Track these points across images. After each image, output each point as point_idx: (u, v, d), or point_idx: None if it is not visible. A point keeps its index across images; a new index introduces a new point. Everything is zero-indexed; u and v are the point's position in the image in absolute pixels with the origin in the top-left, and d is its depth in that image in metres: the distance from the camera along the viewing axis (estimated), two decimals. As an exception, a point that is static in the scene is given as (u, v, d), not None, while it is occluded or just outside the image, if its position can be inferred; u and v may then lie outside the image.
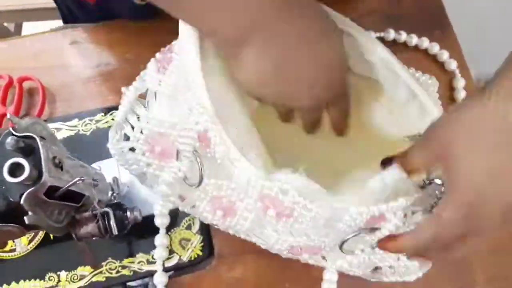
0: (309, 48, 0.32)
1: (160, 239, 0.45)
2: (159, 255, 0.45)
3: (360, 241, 0.34)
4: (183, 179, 0.35)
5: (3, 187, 0.28)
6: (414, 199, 0.32)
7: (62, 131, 0.49)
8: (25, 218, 0.28)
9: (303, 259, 0.38)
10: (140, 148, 0.36)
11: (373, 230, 0.33)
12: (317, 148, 0.43)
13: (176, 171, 0.35)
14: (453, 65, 0.51)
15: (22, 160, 0.27)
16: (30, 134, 0.29)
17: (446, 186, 0.30)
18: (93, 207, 0.34)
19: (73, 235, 0.35)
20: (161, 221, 0.43)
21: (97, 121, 0.49)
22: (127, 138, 0.37)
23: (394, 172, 0.32)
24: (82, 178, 0.30)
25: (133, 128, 0.37)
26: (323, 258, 0.38)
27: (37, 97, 0.50)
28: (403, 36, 0.52)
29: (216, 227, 0.38)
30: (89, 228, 0.35)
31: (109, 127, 0.49)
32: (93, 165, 0.47)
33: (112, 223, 0.35)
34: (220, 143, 0.32)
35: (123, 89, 0.37)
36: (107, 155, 0.48)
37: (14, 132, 0.28)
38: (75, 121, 0.49)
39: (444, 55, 0.51)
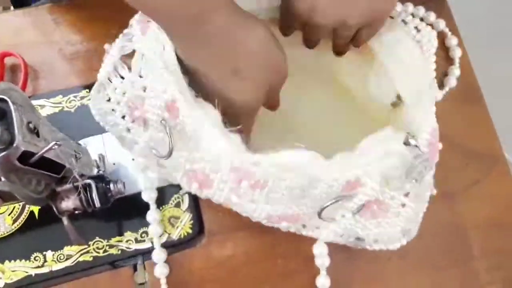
0: None
1: (152, 215, 0.43)
2: (153, 231, 0.43)
3: (340, 208, 0.33)
4: (152, 150, 0.34)
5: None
6: (392, 163, 0.31)
7: (46, 108, 0.47)
8: (-2, 184, 0.27)
9: (283, 227, 0.37)
10: (120, 110, 0.35)
11: (351, 196, 0.32)
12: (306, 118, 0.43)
13: (147, 140, 0.34)
14: (441, 25, 0.51)
15: (-8, 122, 0.26)
16: (2, 96, 0.27)
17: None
18: (74, 178, 0.33)
19: (54, 209, 0.34)
20: (148, 196, 0.42)
21: (82, 98, 0.48)
22: (109, 98, 0.36)
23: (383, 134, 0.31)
24: (58, 143, 0.29)
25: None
26: (303, 226, 0.37)
27: (19, 73, 0.48)
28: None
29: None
30: (71, 201, 0.34)
31: (94, 103, 0.48)
32: (79, 142, 0.46)
33: (95, 195, 0.34)
34: (189, 115, 0.31)
35: (106, 46, 0.36)
36: (92, 132, 0.47)
37: (-16, 95, 0.27)
38: (59, 98, 0.48)
39: (431, 17, 0.51)
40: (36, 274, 0.44)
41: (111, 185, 0.36)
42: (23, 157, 0.28)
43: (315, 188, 0.31)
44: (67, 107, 0.48)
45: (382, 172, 0.31)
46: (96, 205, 0.34)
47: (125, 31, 0.36)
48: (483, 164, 0.50)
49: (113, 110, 0.35)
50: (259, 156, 0.32)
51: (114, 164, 0.46)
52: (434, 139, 0.35)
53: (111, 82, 0.35)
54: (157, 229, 0.43)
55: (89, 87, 0.48)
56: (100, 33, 0.51)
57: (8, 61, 0.49)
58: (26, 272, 0.44)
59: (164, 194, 0.46)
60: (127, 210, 0.45)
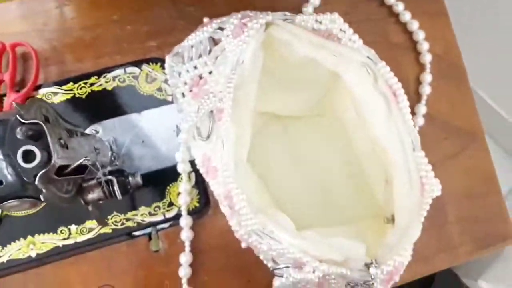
0: None
1: (184, 186, 0.49)
2: (183, 200, 0.49)
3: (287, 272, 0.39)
4: (197, 130, 0.39)
5: (18, 169, 0.31)
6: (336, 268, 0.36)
7: (59, 95, 0.51)
8: (40, 196, 0.31)
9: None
10: (184, 77, 0.40)
11: (299, 268, 0.37)
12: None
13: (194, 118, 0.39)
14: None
15: (33, 147, 0.30)
16: (37, 121, 0.31)
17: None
18: (98, 177, 0.38)
19: (81, 201, 0.39)
20: (182, 168, 0.48)
21: (92, 84, 0.51)
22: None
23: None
24: (87, 158, 0.33)
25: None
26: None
27: (30, 62, 0.51)
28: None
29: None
30: (95, 193, 0.39)
31: (104, 89, 0.51)
32: (91, 127, 0.50)
33: (116, 189, 0.39)
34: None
35: (205, 19, 0.42)
36: (104, 117, 0.51)
37: (22, 120, 0.31)
38: (70, 85, 0.51)
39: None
40: (63, 245, 0.49)
41: (130, 178, 0.41)
42: (58, 169, 0.32)
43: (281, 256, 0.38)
44: (78, 93, 0.51)
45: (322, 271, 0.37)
46: (118, 197, 0.39)
47: (224, 18, 0.41)
48: (461, 140, 0.55)
49: (179, 74, 0.41)
50: None
51: (125, 146, 0.50)
52: (395, 272, 0.39)
53: (192, 49, 0.41)
54: (186, 198, 0.48)
55: (98, 73, 0.51)
56: (106, 19, 0.53)
57: (18, 50, 0.51)
58: (54, 244, 0.49)
59: (173, 172, 0.51)
60: (141, 188, 0.50)
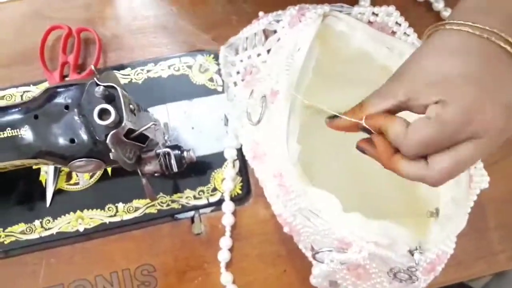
0: None
1: (229, 172, 0.51)
2: (227, 185, 0.51)
3: (330, 256, 0.40)
4: (247, 115, 0.41)
5: (91, 128, 0.33)
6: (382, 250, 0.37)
7: (117, 79, 0.54)
8: (110, 154, 0.33)
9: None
10: (238, 67, 0.42)
11: (343, 250, 0.38)
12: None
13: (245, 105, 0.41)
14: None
15: (109, 107, 0.32)
16: (112, 84, 0.33)
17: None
18: (157, 147, 0.40)
19: (139, 171, 0.41)
20: (230, 154, 0.50)
21: (148, 71, 0.54)
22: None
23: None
24: (155, 123, 0.35)
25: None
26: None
27: (92, 46, 0.54)
28: None
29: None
30: (152, 165, 0.41)
31: (159, 76, 0.54)
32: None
33: (173, 161, 0.41)
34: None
35: (260, 13, 0.46)
36: (157, 102, 0.53)
37: (98, 82, 0.33)
38: (128, 70, 0.54)
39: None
40: (110, 222, 0.51)
41: (185, 153, 0.43)
42: (125, 133, 0.35)
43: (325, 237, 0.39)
44: (135, 79, 0.54)
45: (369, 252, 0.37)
46: (174, 170, 0.41)
47: (280, 12, 0.43)
48: (503, 146, 0.55)
49: (232, 64, 0.44)
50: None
51: (176, 132, 0.52)
52: (437, 262, 0.39)
53: (246, 40, 0.44)
54: (230, 184, 0.50)
55: (154, 61, 0.54)
56: (161, 9, 0.56)
57: (82, 35, 0.54)
58: (102, 220, 0.51)
59: (220, 159, 0.52)
60: (187, 172, 0.52)
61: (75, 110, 0.34)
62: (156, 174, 0.42)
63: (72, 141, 0.34)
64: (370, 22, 0.42)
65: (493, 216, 0.54)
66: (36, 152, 0.35)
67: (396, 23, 0.41)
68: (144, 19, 0.56)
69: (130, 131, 0.35)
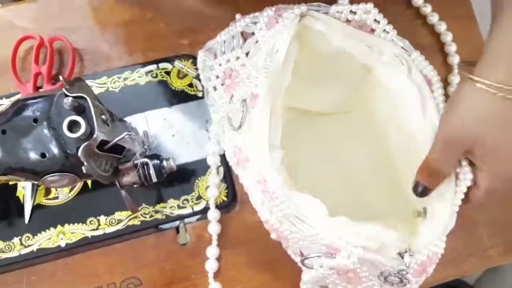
0: None
1: (213, 179, 0.50)
2: (211, 193, 0.49)
3: (319, 261, 0.39)
4: (228, 120, 0.40)
5: (62, 141, 0.32)
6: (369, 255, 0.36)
7: (93, 88, 0.51)
8: (82, 168, 0.32)
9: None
10: (217, 71, 0.41)
11: (331, 256, 0.37)
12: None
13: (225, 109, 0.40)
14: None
15: (78, 118, 0.31)
16: (82, 94, 0.32)
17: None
18: (135, 157, 0.38)
19: (117, 183, 0.39)
20: (212, 160, 0.48)
21: (125, 79, 0.52)
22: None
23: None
24: (130, 132, 0.34)
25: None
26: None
27: (66, 56, 0.53)
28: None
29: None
30: (131, 176, 0.39)
31: (136, 84, 0.52)
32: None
33: (152, 171, 0.39)
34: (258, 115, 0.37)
35: (237, 16, 0.44)
36: (136, 110, 0.52)
37: (67, 93, 0.32)
38: (104, 79, 0.52)
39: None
40: (92, 236, 0.50)
41: (164, 162, 0.42)
42: (98, 145, 0.33)
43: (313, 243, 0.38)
44: (112, 87, 0.52)
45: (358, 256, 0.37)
46: (153, 180, 0.40)
47: (257, 13, 0.42)
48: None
49: (211, 68, 0.43)
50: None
51: (156, 139, 0.51)
52: (428, 264, 0.39)
53: (224, 43, 0.43)
54: (214, 191, 0.49)
55: (131, 68, 0.53)
56: (137, 16, 0.55)
57: (55, 44, 0.53)
58: (84, 234, 0.50)
59: (204, 166, 0.51)
60: (170, 181, 0.50)
61: (44, 123, 0.32)
62: (135, 185, 0.41)
63: (43, 155, 0.33)
64: (348, 21, 0.41)
65: (482, 212, 0.53)
66: (4, 169, 0.34)
67: (375, 20, 0.40)
68: (119, 26, 0.54)
69: (104, 142, 0.33)
